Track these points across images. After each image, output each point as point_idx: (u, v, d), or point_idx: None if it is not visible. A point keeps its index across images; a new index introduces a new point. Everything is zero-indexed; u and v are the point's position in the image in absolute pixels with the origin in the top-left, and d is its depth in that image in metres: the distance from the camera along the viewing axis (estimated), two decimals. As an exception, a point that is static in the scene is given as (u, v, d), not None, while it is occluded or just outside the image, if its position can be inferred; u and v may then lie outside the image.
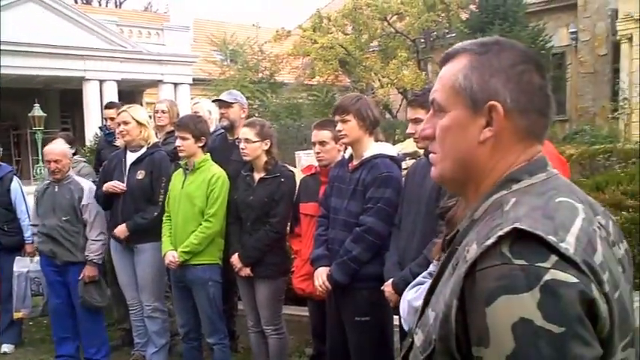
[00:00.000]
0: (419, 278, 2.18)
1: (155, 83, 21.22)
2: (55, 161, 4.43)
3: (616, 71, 17.36)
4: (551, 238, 0.87)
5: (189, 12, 25.58)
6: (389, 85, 17.85)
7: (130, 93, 20.53)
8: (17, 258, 5.07)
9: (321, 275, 3.36)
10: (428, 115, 1.12)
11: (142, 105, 9.31)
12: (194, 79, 21.56)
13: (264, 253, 3.86)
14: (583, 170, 7.91)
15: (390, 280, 2.97)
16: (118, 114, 4.53)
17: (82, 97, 19.50)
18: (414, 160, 3.72)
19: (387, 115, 19.15)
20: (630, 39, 16.10)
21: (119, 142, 4.74)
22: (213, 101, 5.05)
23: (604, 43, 19.07)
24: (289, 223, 4.04)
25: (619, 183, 4.86)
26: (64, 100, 21.86)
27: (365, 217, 3.22)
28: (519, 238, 0.87)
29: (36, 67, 18.32)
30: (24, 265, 4.99)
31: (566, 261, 0.86)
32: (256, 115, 18.56)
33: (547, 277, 0.84)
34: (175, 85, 21.25)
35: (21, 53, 17.70)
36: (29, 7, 18.22)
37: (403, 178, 3.28)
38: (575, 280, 0.85)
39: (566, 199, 0.96)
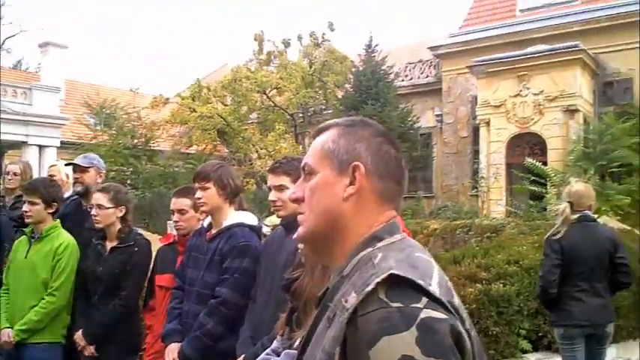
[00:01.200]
0: (262, 355, 2.08)
1: (19, 145, 19.86)
2: None
3: (476, 152, 18.82)
4: (421, 282, 0.98)
5: (62, 72, 24.59)
6: (267, 157, 18.05)
7: (-10, 154, 19.06)
8: None
9: (172, 352, 3.13)
10: (299, 180, 1.22)
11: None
12: (63, 142, 20.44)
13: (111, 329, 3.56)
14: (445, 244, 8.31)
15: (242, 357, 2.82)
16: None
17: None
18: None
19: (264, 187, 19.25)
20: (488, 123, 17.63)
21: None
22: (66, 164, 4.74)
23: (466, 125, 20.74)
24: (144, 296, 3.78)
25: (474, 256, 5.11)
26: None
27: (220, 289, 3.08)
28: (393, 284, 0.97)
29: None
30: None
31: (435, 301, 0.97)
32: (128, 182, 17.92)
33: (422, 315, 0.94)
34: (41, 147, 20.01)
35: None
36: None
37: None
38: (445, 316, 0.96)
39: (422, 255, 1.09)
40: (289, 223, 2.68)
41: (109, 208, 3.65)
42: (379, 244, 1.10)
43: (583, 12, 18.81)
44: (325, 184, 1.16)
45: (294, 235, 1.66)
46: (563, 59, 16.54)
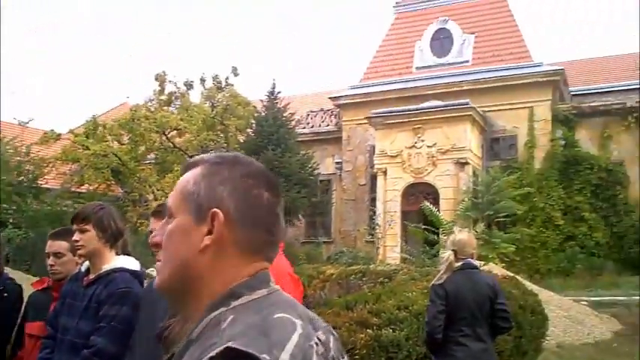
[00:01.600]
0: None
1: None
2: None
3: (373, 200, 19.34)
4: (265, 357, 0.84)
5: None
6: (163, 198, 17.52)
7: None
8: None
9: (40, 406, 2.85)
10: (161, 222, 1.09)
11: None
12: (-62, 177, 18.75)
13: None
14: (340, 289, 8.34)
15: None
16: None
17: None
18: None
19: (161, 229, 18.64)
20: (385, 172, 18.25)
21: None
22: None
23: (364, 174, 21.35)
24: (11, 346, 3.45)
25: (366, 302, 5.14)
26: None
27: (95, 338, 2.85)
28: (233, 358, 0.84)
29: None
30: None
31: None
32: (10, 221, 16.65)
33: None
34: None
35: None
36: None
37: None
38: None
39: (284, 315, 0.95)
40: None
41: (-25, 249, 3.35)
42: (234, 303, 0.97)
43: (473, 73, 20.26)
44: (181, 231, 1.02)
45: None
46: (455, 115, 17.61)
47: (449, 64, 21.23)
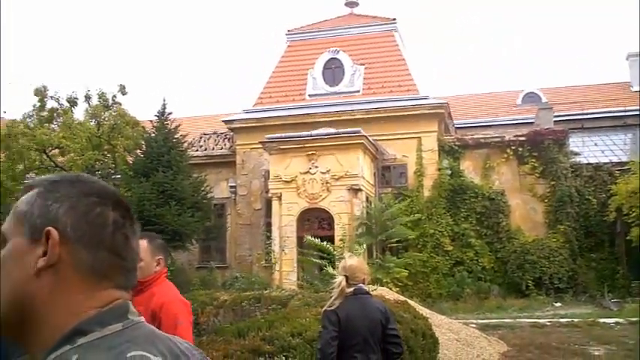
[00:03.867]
0: None
1: None
2: None
3: (269, 224, 19.19)
4: None
5: None
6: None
7: None
8: None
9: None
10: None
11: None
12: None
13: None
14: (235, 316, 8.07)
15: None
16: None
17: None
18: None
19: None
20: (280, 197, 18.18)
21: None
22: None
23: (259, 198, 21.17)
24: None
25: (259, 329, 4.96)
26: None
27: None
28: None
29: None
30: None
31: None
32: None
33: None
34: None
35: None
36: None
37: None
38: None
39: (140, 353, 0.87)
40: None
41: None
42: (80, 341, 0.87)
43: (364, 102, 20.92)
44: (14, 254, 0.93)
45: None
46: (347, 143, 17.99)
47: (340, 92, 21.82)
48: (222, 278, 18.61)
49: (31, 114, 19.29)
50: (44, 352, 0.89)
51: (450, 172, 20.01)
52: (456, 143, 20.40)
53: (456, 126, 23.77)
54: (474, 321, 13.17)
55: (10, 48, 64.50)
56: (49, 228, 0.92)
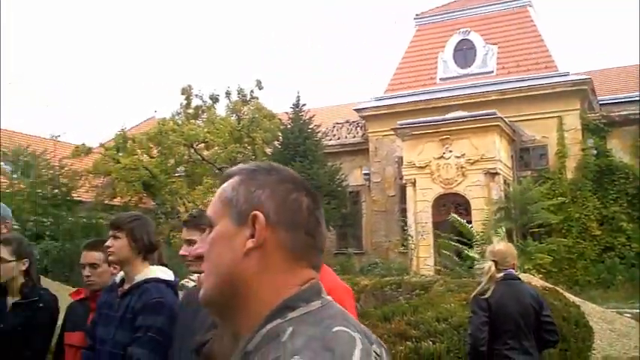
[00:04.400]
0: None
1: None
2: None
3: (403, 210, 19.14)
4: None
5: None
6: (194, 210, 17.63)
7: None
8: None
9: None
10: (204, 234, 1.11)
11: None
12: (-25, 190, 19.21)
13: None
14: (376, 301, 8.22)
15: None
16: None
17: None
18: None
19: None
20: (414, 183, 18.06)
21: None
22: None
23: (393, 185, 21.17)
24: (52, 356, 3.43)
25: (404, 313, 5.02)
26: None
27: (133, 348, 2.81)
28: None
29: None
30: None
31: None
32: (47, 233, 16.93)
33: None
34: (-57, 196, 18.67)
35: None
36: None
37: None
38: None
39: (342, 329, 0.92)
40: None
41: (10, 261, 3.34)
42: (290, 315, 0.94)
43: (498, 83, 20.04)
44: (223, 237, 1.01)
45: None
46: (482, 125, 17.39)
47: (473, 74, 21.09)
48: (359, 264, 18.91)
49: (178, 112, 20.84)
50: (254, 326, 0.96)
51: (595, 151, 18.68)
52: (602, 121, 18.97)
53: (600, 102, 22.06)
54: (629, 310, 12.24)
55: (160, 52, 69.86)
56: (256, 212, 0.99)
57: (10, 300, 3.37)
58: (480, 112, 17.79)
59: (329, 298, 1.01)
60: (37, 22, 66.89)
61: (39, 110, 59.08)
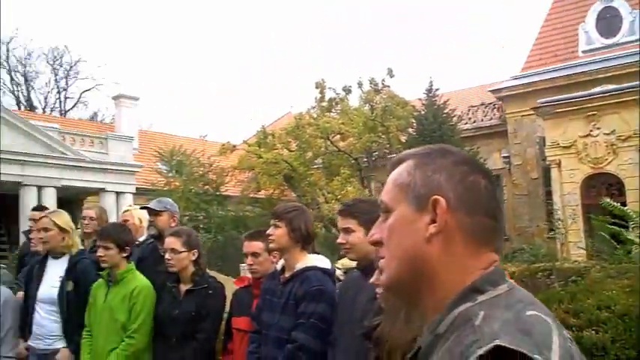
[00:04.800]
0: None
1: (97, 191, 20.80)
2: None
3: (548, 193, 18.15)
4: (537, 358, 0.80)
5: (135, 123, 25.79)
6: (333, 201, 18.05)
7: (71, 201, 19.91)
8: None
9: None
10: (378, 221, 1.08)
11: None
12: (138, 189, 21.25)
13: (190, 372, 3.52)
14: (526, 288, 7.90)
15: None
16: (39, 219, 4.25)
17: (19, 203, 18.75)
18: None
19: (333, 230, 19.20)
20: (559, 164, 17.03)
21: (39, 248, 4.41)
22: (141, 208, 4.85)
23: (535, 167, 20.15)
24: (222, 339, 3.75)
25: (560, 301, 4.80)
26: (0, 206, 20.97)
27: (297, 334, 3.00)
28: (500, 357, 0.80)
29: (-29, 172, 17.70)
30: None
31: None
32: (201, 226, 18.32)
33: None
34: (118, 193, 20.87)
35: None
36: (-32, 111, 17.93)
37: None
38: None
39: (535, 313, 0.89)
40: (366, 267, 2.60)
41: (182, 252, 3.68)
42: (480, 298, 0.92)
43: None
44: (403, 223, 1.00)
45: (371, 280, 1.54)
46: (633, 98, 15.90)
47: (619, 44, 19.36)
48: (504, 250, 18.27)
49: (313, 106, 21.40)
50: (440, 309, 0.96)
51: None
52: None
53: None
54: None
55: (293, 50, 72.07)
56: (437, 197, 0.97)
57: (183, 287, 3.73)
58: (631, 83, 16.31)
59: (512, 281, 0.99)
60: (176, 30, 71.79)
61: (187, 113, 63.58)
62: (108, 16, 63.32)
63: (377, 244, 1.06)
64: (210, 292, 3.69)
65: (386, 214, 1.05)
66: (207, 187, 20.99)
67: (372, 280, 1.64)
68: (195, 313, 3.61)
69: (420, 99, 19.97)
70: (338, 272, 3.83)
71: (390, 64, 51.47)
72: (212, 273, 4.22)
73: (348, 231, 2.78)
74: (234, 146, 21.15)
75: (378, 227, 1.06)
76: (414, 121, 19.34)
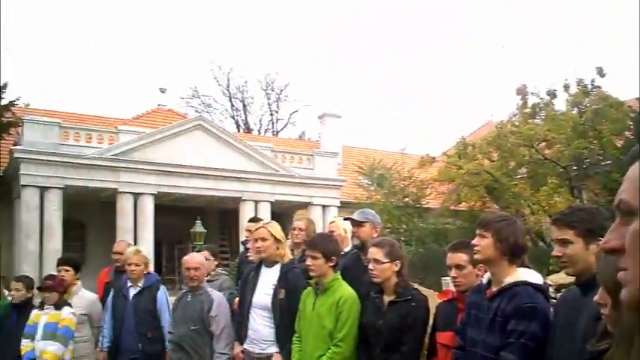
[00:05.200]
0: None
1: (305, 205, 22.13)
2: (194, 269, 4.62)
3: None
4: None
5: (339, 139, 27.03)
6: (540, 212, 16.96)
7: (282, 214, 21.51)
8: None
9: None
10: (614, 224, 0.94)
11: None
12: (342, 202, 22.17)
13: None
14: None
15: None
16: (255, 230, 4.59)
17: (239, 216, 20.71)
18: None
19: (540, 244, 18.02)
20: None
21: (253, 257, 4.80)
22: (344, 219, 5.03)
23: None
24: (425, 353, 3.71)
25: None
26: (223, 219, 23.42)
27: (506, 354, 2.81)
28: None
29: (198, 188, 20.06)
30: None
31: None
32: (402, 239, 18.49)
33: None
34: (324, 207, 21.97)
35: (186, 175, 19.59)
36: (196, 135, 20.36)
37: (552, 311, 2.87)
38: None
39: None
40: (586, 282, 2.38)
41: (384, 262, 3.72)
42: None
43: None
44: None
45: (595, 298, 1.40)
46: None
47: None
48: None
49: (515, 113, 20.43)
50: None
51: None
52: None
53: None
54: None
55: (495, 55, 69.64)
56: None
57: (387, 298, 3.77)
58: None
59: None
60: (367, 45, 73.66)
61: (387, 127, 64.89)
62: (310, 41, 67.44)
63: (614, 252, 0.92)
64: (414, 304, 3.67)
65: (628, 217, 0.89)
66: (407, 199, 21.14)
67: (595, 297, 1.51)
68: (399, 324, 3.61)
69: (637, 98, 17.91)
70: (550, 289, 3.57)
71: (597, 62, 47.09)
72: (414, 286, 4.21)
73: (564, 242, 2.58)
74: (434, 158, 21.03)
75: (616, 232, 0.92)
76: (631, 123, 17.38)
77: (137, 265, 5.30)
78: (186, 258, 4.78)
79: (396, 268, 3.74)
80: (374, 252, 3.77)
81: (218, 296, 4.71)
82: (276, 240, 4.42)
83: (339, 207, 21.91)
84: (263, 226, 4.51)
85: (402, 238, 18.33)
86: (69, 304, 5.19)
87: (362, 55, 72.39)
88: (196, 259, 4.77)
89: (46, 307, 5.09)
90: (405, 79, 71.84)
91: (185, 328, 4.54)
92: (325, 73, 68.82)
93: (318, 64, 68.04)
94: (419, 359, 3.67)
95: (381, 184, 22.00)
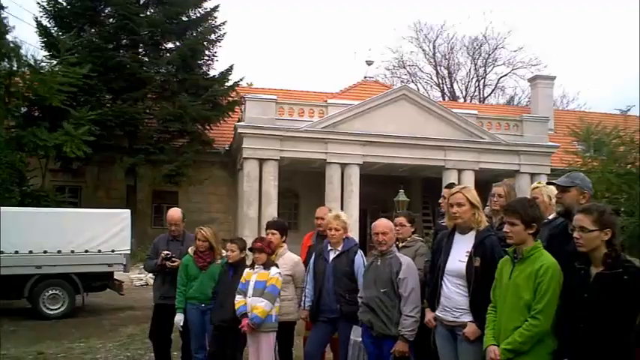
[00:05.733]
0: None
1: (512, 173, 21.18)
2: (382, 233, 4.70)
3: None
4: None
5: (550, 103, 25.09)
6: None
7: (487, 182, 20.76)
8: (354, 327, 5.29)
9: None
10: None
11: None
12: (553, 170, 20.72)
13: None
14: None
15: None
16: (451, 195, 4.44)
17: (442, 184, 20.49)
18: None
19: None
20: None
21: (447, 223, 4.66)
22: (547, 184, 4.63)
23: None
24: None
25: None
26: (426, 187, 23.41)
27: None
28: None
29: (402, 157, 20.25)
30: (359, 334, 5.18)
31: None
32: (622, 209, 16.58)
33: None
34: (532, 175, 20.81)
35: (390, 144, 19.87)
36: (400, 104, 20.46)
37: None
38: None
39: None
40: None
41: (592, 230, 3.36)
42: None
43: None
44: None
45: None
46: None
47: None
48: None
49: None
50: None
51: None
52: None
53: None
54: None
55: None
56: None
57: (594, 270, 3.40)
58: None
59: None
60: None
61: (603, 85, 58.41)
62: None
63: None
64: (626, 277, 3.27)
65: None
66: (630, 166, 18.82)
67: None
68: (607, 299, 3.25)
69: None
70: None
71: None
72: (630, 259, 3.74)
73: None
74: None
75: None
76: None
77: (337, 229, 5.51)
78: (375, 223, 4.85)
79: (606, 237, 3.37)
80: (580, 219, 3.45)
81: (407, 260, 4.72)
82: (473, 205, 4.26)
83: (548, 175, 20.47)
84: (459, 191, 4.35)
85: (622, 209, 16.44)
86: (276, 265, 5.59)
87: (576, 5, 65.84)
88: (384, 223, 4.82)
89: (256, 266, 5.54)
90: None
91: (375, 290, 4.64)
92: (538, 31, 64.04)
93: (531, 21, 63.47)
94: (629, 340, 3.26)
95: (599, 149, 19.92)
